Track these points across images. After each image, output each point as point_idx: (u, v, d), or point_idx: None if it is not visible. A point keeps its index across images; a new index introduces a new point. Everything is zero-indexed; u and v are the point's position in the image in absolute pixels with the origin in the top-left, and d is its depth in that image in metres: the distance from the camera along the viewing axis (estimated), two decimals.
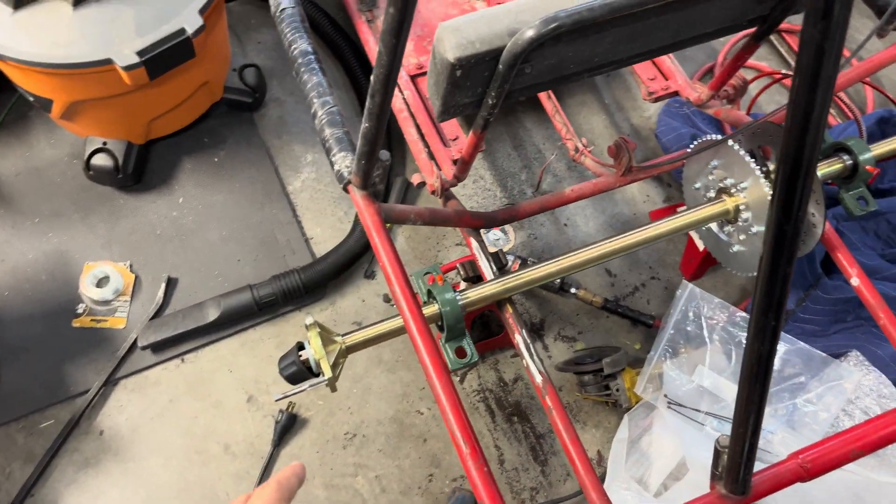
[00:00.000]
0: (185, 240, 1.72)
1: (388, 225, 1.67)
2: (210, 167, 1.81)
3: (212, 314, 1.59)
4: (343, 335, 1.21)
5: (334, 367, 1.17)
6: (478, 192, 1.85)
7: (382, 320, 1.19)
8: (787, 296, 0.68)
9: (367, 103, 0.91)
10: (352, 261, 1.68)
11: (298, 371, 1.18)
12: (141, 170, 1.76)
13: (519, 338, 1.26)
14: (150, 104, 1.62)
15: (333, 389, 1.16)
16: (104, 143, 1.68)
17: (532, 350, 1.24)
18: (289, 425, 1.54)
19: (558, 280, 1.67)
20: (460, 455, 0.93)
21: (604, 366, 1.52)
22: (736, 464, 0.84)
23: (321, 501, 1.49)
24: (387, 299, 1.70)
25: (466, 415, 0.96)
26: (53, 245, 1.69)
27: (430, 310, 1.21)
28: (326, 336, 1.20)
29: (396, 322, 1.19)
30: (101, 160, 1.68)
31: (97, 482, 1.48)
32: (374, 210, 1.09)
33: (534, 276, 1.27)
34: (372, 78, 0.86)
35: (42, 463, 1.48)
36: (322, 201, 1.81)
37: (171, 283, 1.66)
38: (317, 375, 1.20)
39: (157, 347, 1.59)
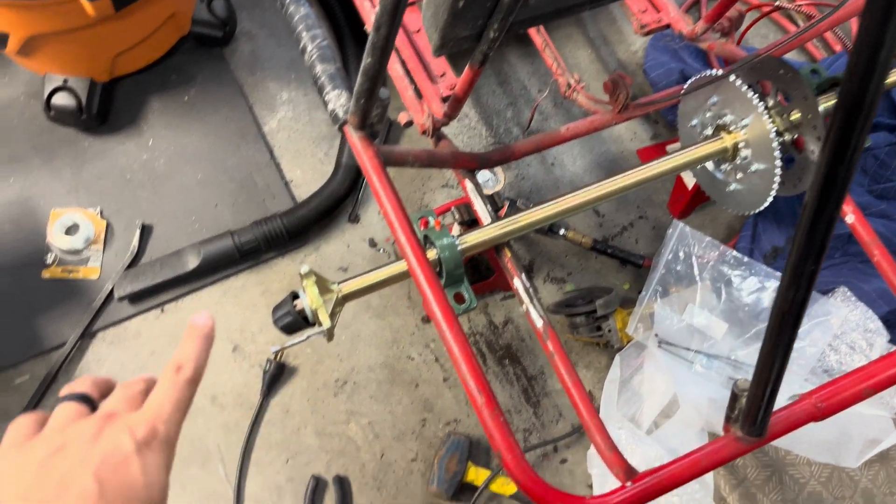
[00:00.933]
0: (158, 184, 1.64)
1: None
2: (180, 107, 1.72)
3: (191, 262, 1.52)
4: (339, 283, 1.17)
5: (332, 316, 1.13)
6: (463, 131, 1.79)
7: (380, 266, 1.15)
8: (829, 241, 0.65)
9: (370, 36, 0.84)
10: (336, 204, 1.62)
11: (294, 321, 1.14)
12: (106, 110, 1.66)
13: (518, 282, 1.23)
14: (115, 38, 1.51)
15: (330, 338, 1.12)
16: (65, 81, 1.57)
17: (531, 294, 1.22)
18: (277, 374, 1.50)
19: None
20: (475, 405, 0.91)
21: (597, 307, 1.51)
22: (755, 407, 0.83)
23: (314, 450, 1.48)
24: (372, 244, 1.65)
25: (479, 363, 0.93)
26: (15, 192, 1.59)
27: (427, 255, 1.17)
28: (323, 284, 1.15)
29: (396, 268, 1.15)
30: (62, 99, 1.57)
31: None
32: (372, 152, 1.03)
33: (533, 219, 1.24)
34: (378, 8, 0.80)
35: None
36: (301, 142, 1.73)
37: (145, 231, 1.59)
38: (312, 325, 1.16)
39: (134, 298, 1.53)
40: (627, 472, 0.90)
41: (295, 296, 1.15)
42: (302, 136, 1.74)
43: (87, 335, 1.50)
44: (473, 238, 1.19)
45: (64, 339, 1.48)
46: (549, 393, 1.58)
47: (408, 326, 1.59)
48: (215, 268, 1.55)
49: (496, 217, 1.26)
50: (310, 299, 1.11)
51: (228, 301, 1.56)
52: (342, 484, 1.45)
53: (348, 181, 1.63)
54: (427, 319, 1.60)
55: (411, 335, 1.59)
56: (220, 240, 1.54)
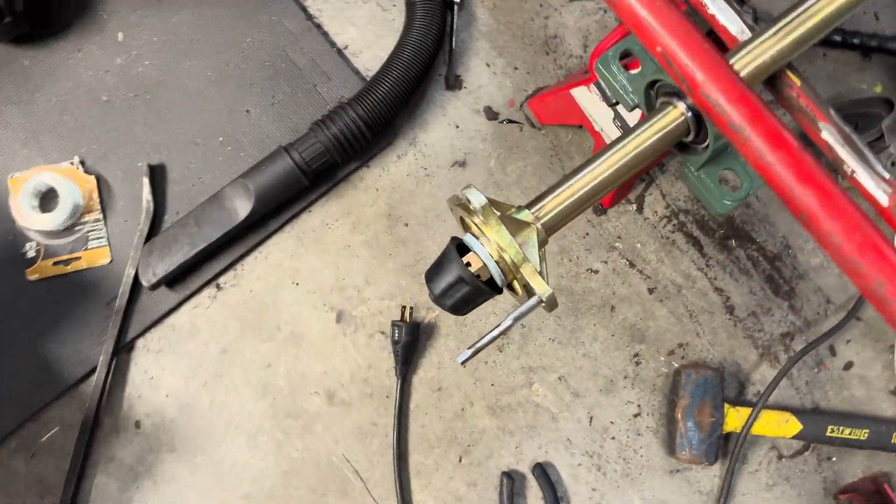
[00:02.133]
0: (153, 99, 1.06)
1: None
2: None
3: (241, 207, 0.99)
4: (530, 208, 0.64)
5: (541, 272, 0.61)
6: None
7: (614, 146, 0.61)
8: None
9: None
10: (426, 67, 1.04)
11: (474, 290, 0.63)
12: (40, 2, 1.06)
13: (828, 130, 0.68)
14: None
15: (553, 307, 0.61)
16: None
17: (861, 148, 0.67)
18: (412, 341, 1.00)
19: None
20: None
21: (883, 130, 0.95)
22: None
23: (492, 434, 1.00)
24: (491, 115, 1.08)
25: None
26: None
27: (669, 117, 0.64)
28: (508, 218, 0.62)
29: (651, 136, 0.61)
30: None
31: (160, 494, 0.97)
32: None
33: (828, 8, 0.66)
34: None
35: (68, 491, 0.96)
36: None
37: (156, 174, 1.04)
38: (499, 291, 0.65)
39: (172, 281, 1.01)
40: None
41: (462, 247, 0.63)
42: None
43: (122, 349, 1.00)
44: (750, 56, 0.63)
45: (91, 363, 0.99)
46: (804, 273, 1.06)
47: (576, 227, 1.06)
48: (277, 207, 1.02)
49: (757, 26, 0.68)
50: (495, 249, 0.59)
51: (308, 251, 1.04)
52: (546, 475, 0.99)
53: (434, 26, 1.04)
54: (602, 208, 1.07)
55: (584, 238, 1.06)
56: (272, 163, 0.99)
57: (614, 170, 0.65)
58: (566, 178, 0.66)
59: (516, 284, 0.65)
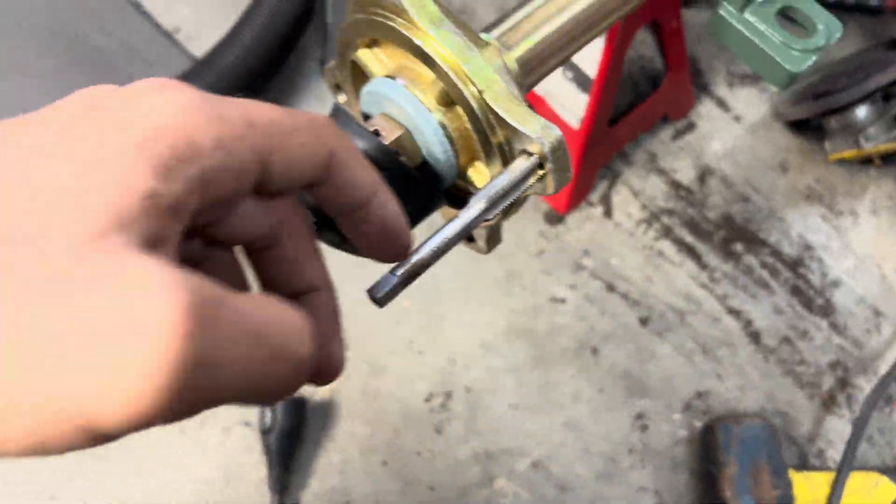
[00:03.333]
0: None
1: None
2: None
3: None
4: (488, 31, 0.32)
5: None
6: None
7: None
8: None
9: None
10: (289, 33, 0.74)
11: (395, 181, 0.28)
12: None
13: None
14: None
15: (565, 177, 0.26)
16: None
17: None
18: (294, 428, 0.62)
19: None
20: None
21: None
22: None
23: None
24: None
25: None
26: None
27: None
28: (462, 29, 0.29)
29: None
30: None
31: None
32: None
33: None
34: None
35: None
36: None
37: None
38: (439, 188, 0.31)
39: None
40: None
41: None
42: None
43: None
44: None
45: None
46: (837, 280, 0.77)
47: (524, 241, 0.74)
48: None
49: None
50: (434, 91, 0.26)
51: None
52: None
53: None
54: (558, 215, 0.76)
55: (538, 256, 0.74)
56: None
57: None
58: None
59: (475, 171, 0.32)
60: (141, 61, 0.76)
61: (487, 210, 0.28)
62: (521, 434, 0.67)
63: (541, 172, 0.29)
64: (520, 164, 0.29)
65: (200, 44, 0.78)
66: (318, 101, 0.78)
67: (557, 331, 0.71)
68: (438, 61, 0.29)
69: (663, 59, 0.77)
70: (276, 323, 0.20)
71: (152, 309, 0.17)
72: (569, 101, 0.70)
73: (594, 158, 0.75)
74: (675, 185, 0.80)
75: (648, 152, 0.80)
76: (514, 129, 0.29)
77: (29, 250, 0.18)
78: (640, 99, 0.79)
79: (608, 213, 0.77)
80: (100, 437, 0.18)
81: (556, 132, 0.29)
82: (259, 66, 0.72)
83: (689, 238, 0.77)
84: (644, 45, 0.83)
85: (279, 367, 0.20)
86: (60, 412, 0.17)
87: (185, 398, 0.17)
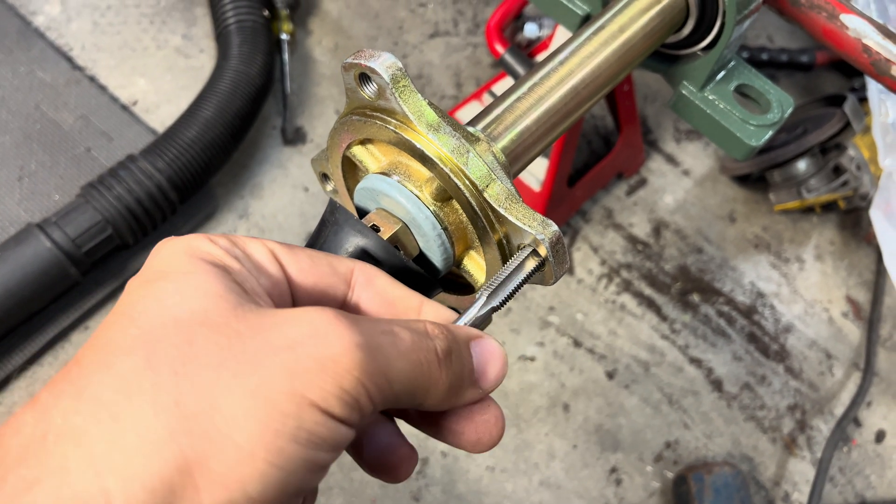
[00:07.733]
0: None
1: None
2: None
3: None
4: (473, 124, 0.33)
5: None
6: None
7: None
8: None
9: None
10: (251, 102, 0.74)
11: (396, 273, 0.29)
12: None
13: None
14: None
15: (565, 268, 0.30)
16: None
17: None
18: None
19: None
20: None
21: (848, 114, 0.76)
22: None
23: None
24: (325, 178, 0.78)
25: None
26: None
27: None
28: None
29: None
30: None
31: None
32: None
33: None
34: None
35: None
36: (125, 28, 0.83)
37: None
38: (436, 276, 0.32)
39: None
40: None
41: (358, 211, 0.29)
42: (122, 16, 0.83)
43: None
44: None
45: None
46: (789, 325, 0.81)
47: None
48: (34, 314, 0.63)
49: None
50: (429, 187, 0.27)
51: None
52: None
53: (259, 53, 0.76)
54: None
55: (504, 315, 0.76)
56: (16, 246, 0.62)
57: (592, 67, 0.37)
58: (519, 83, 0.37)
59: (470, 259, 0.33)
60: (97, 134, 0.75)
61: (492, 307, 0.29)
62: (500, 496, 0.67)
63: (537, 261, 0.30)
64: (521, 259, 0.30)
65: (158, 116, 0.78)
66: (279, 169, 0.78)
67: (529, 389, 0.72)
68: (438, 163, 0.30)
69: (615, 120, 0.80)
70: None
71: None
72: (530, 165, 0.72)
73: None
74: (632, 240, 0.82)
75: (605, 208, 0.83)
76: (515, 226, 0.30)
77: None
78: (595, 157, 0.82)
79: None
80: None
81: (554, 228, 0.30)
82: (220, 140, 0.72)
83: (648, 291, 0.80)
84: (596, 105, 0.86)
85: None
86: None
87: None
